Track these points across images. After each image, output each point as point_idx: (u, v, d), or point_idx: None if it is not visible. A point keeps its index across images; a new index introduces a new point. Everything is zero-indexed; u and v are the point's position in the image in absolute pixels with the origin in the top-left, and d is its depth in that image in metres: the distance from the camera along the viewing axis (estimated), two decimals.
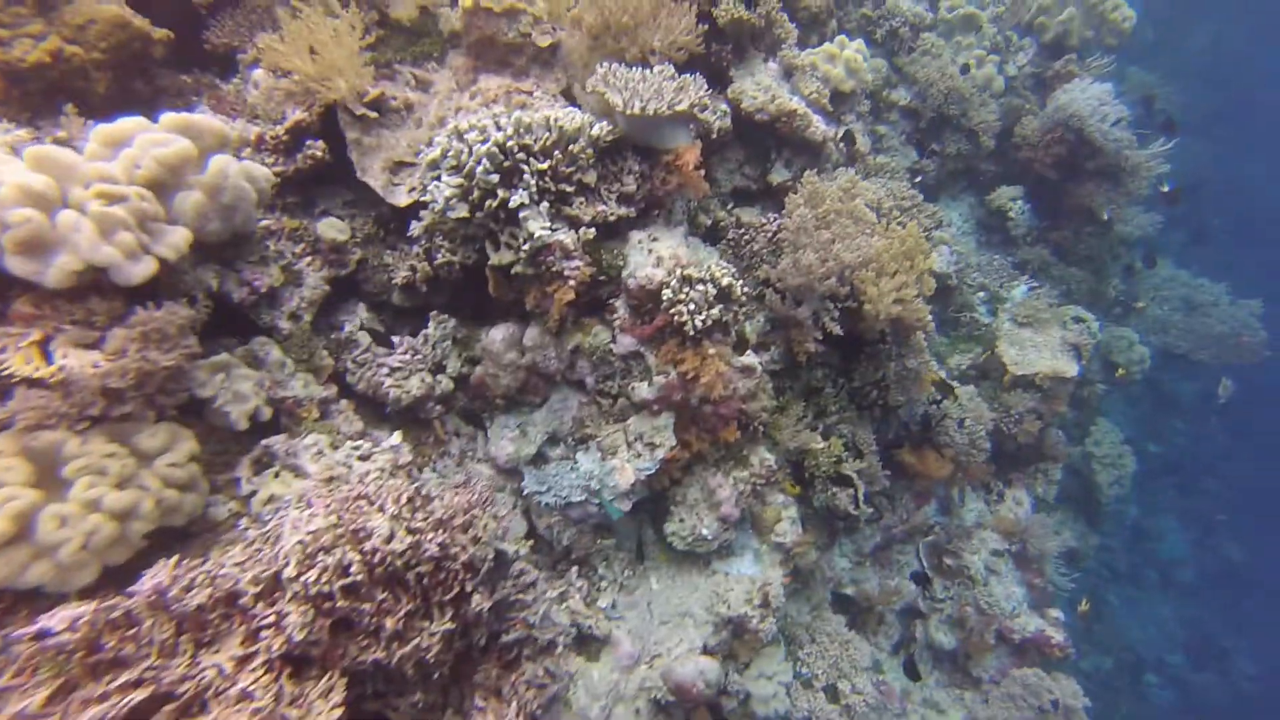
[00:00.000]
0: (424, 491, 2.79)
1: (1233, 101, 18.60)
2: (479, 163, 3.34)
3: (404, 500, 2.65)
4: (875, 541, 5.70)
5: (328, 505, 2.47)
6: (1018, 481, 6.92)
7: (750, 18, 4.72)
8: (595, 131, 3.62)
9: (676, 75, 3.84)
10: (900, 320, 4.26)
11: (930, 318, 4.48)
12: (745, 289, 3.86)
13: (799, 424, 4.47)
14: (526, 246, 3.45)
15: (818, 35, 6.63)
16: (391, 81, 4.41)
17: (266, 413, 3.20)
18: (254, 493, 2.99)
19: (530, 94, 4.20)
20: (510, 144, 3.39)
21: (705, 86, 3.88)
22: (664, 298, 3.62)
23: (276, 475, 3.06)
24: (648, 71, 3.83)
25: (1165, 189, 8.10)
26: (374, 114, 3.99)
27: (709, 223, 4.96)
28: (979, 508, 6.59)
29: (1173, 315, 11.09)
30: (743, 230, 4.81)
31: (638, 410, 3.92)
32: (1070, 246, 8.26)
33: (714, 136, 4.80)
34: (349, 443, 3.36)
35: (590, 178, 3.66)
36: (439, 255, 3.77)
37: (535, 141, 3.46)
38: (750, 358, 4.12)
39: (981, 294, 7.62)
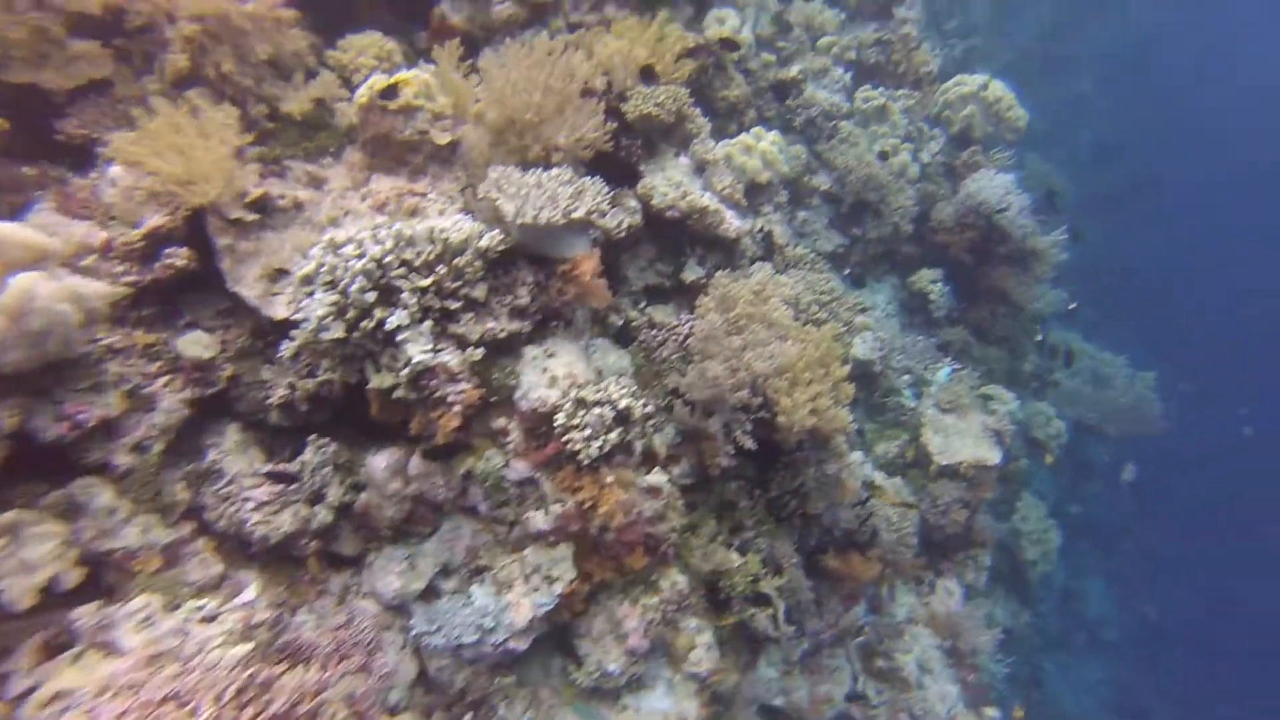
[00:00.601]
0: (262, 678, 2.33)
1: (1118, 187, 19.79)
2: (354, 280, 2.98)
3: (230, 693, 2.20)
4: (804, 648, 5.35)
5: (120, 713, 2.00)
6: (948, 571, 6.70)
7: (660, 114, 4.53)
8: (484, 243, 3.31)
9: (575, 178, 3.58)
10: (817, 429, 4.00)
11: (850, 422, 4.24)
12: (648, 408, 3.56)
13: (713, 542, 4.15)
14: (406, 370, 3.08)
15: (736, 124, 6.55)
16: (281, 179, 4.05)
17: (72, 578, 2.69)
18: (33, 689, 2.46)
19: (424, 195, 3.89)
20: (389, 259, 3.05)
21: (605, 190, 3.62)
22: (557, 422, 3.29)
23: (77, 659, 2.54)
24: (544, 174, 3.57)
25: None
26: (253, 216, 3.61)
27: (620, 323, 4.69)
28: (910, 601, 6.33)
29: (1083, 388, 11.27)
30: (655, 331, 4.54)
31: (535, 540, 3.54)
32: (987, 327, 8.29)
33: (623, 235, 4.56)
34: (191, 601, 2.87)
35: (479, 292, 3.33)
36: (320, 373, 3.37)
37: (417, 256, 3.13)
38: (657, 476, 3.80)
39: (906, 377, 7.51)
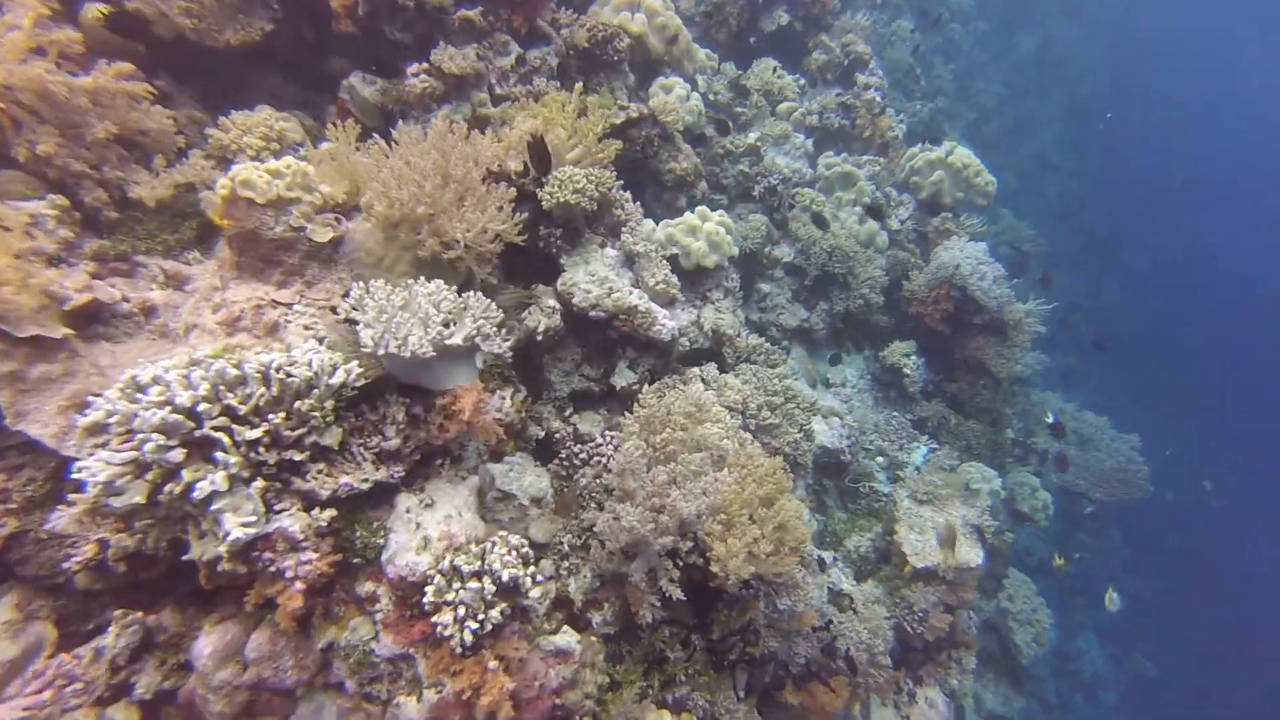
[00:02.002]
0: None
1: (1088, 238, 19.53)
2: (149, 437, 2.31)
3: None
4: None
5: None
6: (929, 677, 5.94)
7: (580, 201, 3.93)
8: (338, 379, 2.65)
9: (452, 295, 2.94)
10: (760, 577, 3.31)
11: (800, 561, 3.56)
12: (550, 566, 2.87)
13: (642, 700, 3.42)
14: (226, 544, 2.40)
15: (686, 198, 5.98)
16: (130, 278, 3.42)
17: None
18: None
19: (289, 307, 3.25)
20: (204, 408, 2.39)
21: (490, 309, 2.98)
22: (426, 598, 2.60)
23: None
24: (419, 289, 2.93)
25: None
26: (63, 331, 2.94)
27: (541, 435, 4.02)
28: (887, 717, 5.56)
29: (1068, 450, 10.60)
30: (578, 447, 3.88)
31: None
32: (966, 399, 7.64)
33: (540, 338, 3.93)
34: None
35: (332, 439, 2.67)
36: (135, 531, 2.68)
37: (246, 400, 2.47)
38: (566, 637, 3.09)
39: (880, 459, 6.84)
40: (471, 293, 2.98)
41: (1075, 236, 19.10)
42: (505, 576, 2.62)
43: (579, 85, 4.26)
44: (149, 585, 2.89)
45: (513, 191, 3.80)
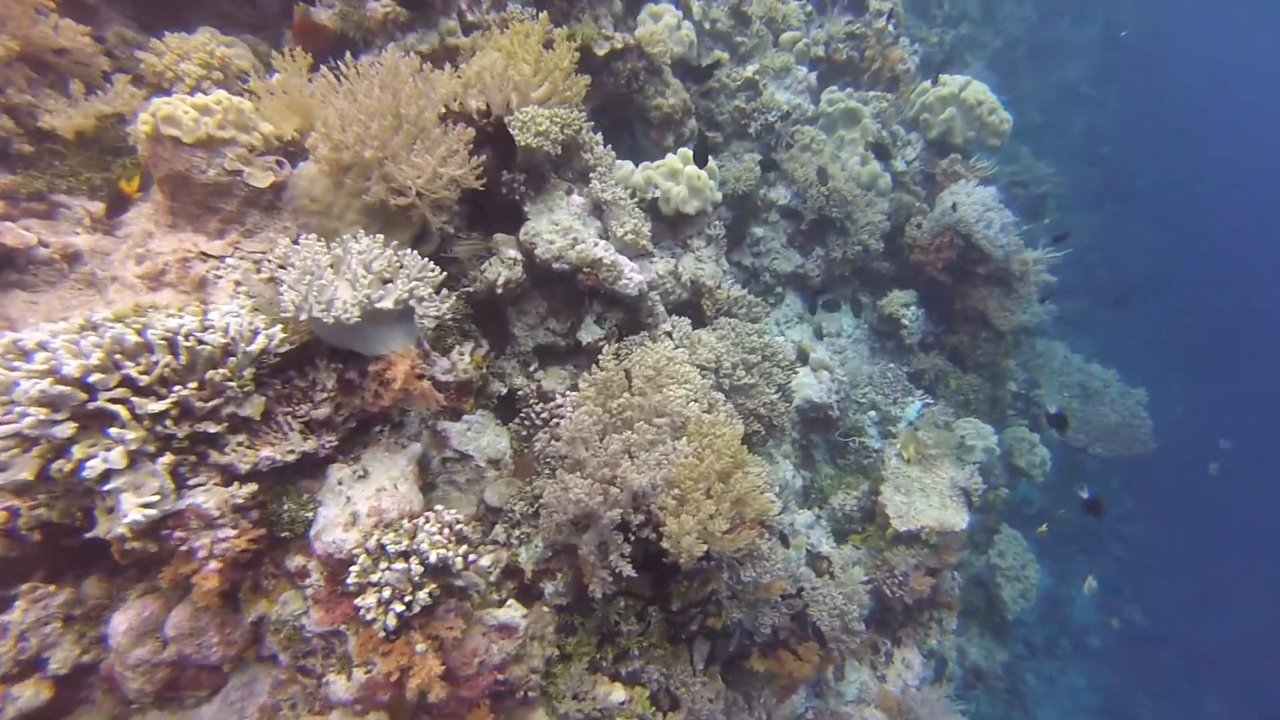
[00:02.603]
0: None
1: (1109, 178, 18.73)
2: (27, 411, 2.13)
3: None
4: None
5: None
6: (907, 639, 5.90)
7: (543, 145, 3.63)
8: (257, 345, 2.45)
9: (386, 251, 2.71)
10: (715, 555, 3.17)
11: (764, 542, 3.41)
12: (469, 556, 2.72)
13: (595, 674, 3.33)
14: (124, 525, 2.25)
15: (674, 136, 5.63)
16: (49, 220, 3.21)
17: None
18: None
19: (220, 261, 3.02)
20: (98, 378, 2.21)
21: (428, 268, 2.75)
22: (349, 579, 2.46)
23: None
24: (354, 245, 2.70)
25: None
26: None
27: (504, 391, 3.84)
28: (862, 679, 5.53)
29: (1071, 403, 10.38)
30: (539, 406, 3.70)
31: (340, 709, 2.73)
32: (967, 352, 7.39)
33: (500, 291, 3.70)
34: None
35: (253, 408, 2.49)
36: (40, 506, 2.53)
37: (148, 371, 2.28)
38: (509, 613, 2.97)
39: (872, 414, 6.65)
40: (408, 251, 2.74)
41: (1098, 174, 18.34)
42: (433, 558, 2.48)
43: (544, 15, 3.90)
44: (74, 551, 2.77)
45: (471, 133, 3.51)
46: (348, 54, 3.45)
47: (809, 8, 7.52)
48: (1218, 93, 25.50)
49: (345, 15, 4.33)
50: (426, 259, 2.74)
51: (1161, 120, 22.65)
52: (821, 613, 4.63)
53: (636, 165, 4.68)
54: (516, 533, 3.31)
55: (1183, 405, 16.58)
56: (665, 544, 2.98)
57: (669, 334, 4.06)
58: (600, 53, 5.13)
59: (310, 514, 2.62)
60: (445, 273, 2.89)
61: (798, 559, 5.02)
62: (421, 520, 2.61)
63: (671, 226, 4.72)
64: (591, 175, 3.91)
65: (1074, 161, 16.40)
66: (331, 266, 2.54)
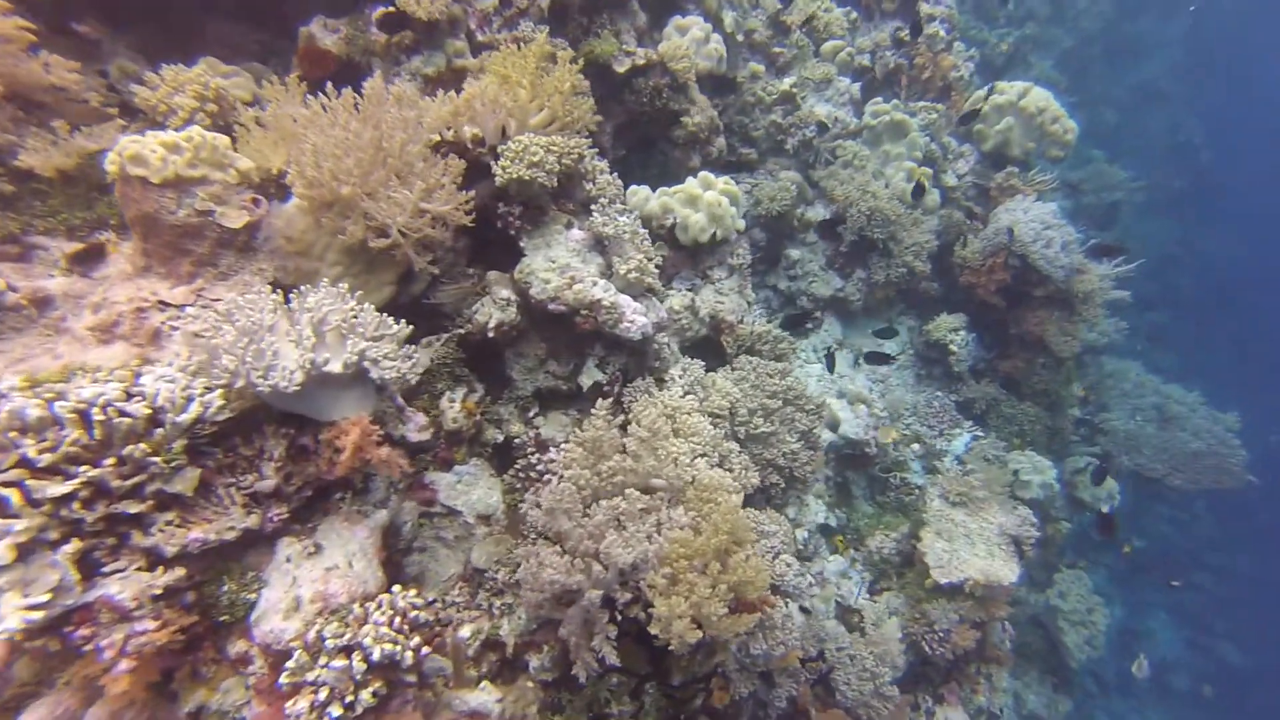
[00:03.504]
0: None
1: (1194, 181, 17.32)
2: None
3: None
4: None
5: None
6: (951, 696, 5.38)
7: (537, 177, 3.33)
8: (188, 416, 2.21)
9: (346, 305, 2.44)
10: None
11: (778, 610, 3.02)
12: (421, 649, 2.42)
13: None
14: (11, 628, 2.02)
15: (700, 155, 5.28)
16: (23, 263, 3.07)
17: None
18: None
19: (180, 310, 2.81)
20: None
21: (383, 324, 2.47)
22: (284, 676, 2.19)
23: None
24: (310, 296, 2.45)
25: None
26: None
27: (500, 439, 3.55)
28: None
29: (1145, 428, 9.53)
30: (536, 459, 3.40)
31: None
32: (1022, 379, 6.79)
33: (493, 334, 3.41)
34: None
35: (185, 484, 2.25)
36: None
37: (53, 449, 2.06)
38: (482, 697, 2.68)
39: (915, 447, 6.16)
40: (364, 306, 2.48)
41: (1183, 177, 17.00)
42: (377, 655, 2.19)
43: (541, 34, 3.61)
44: None
45: (460, 165, 3.24)
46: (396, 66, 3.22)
47: (854, 14, 7.06)
48: None
49: (350, 40, 4.12)
50: (383, 315, 2.47)
51: (1251, 118, 21.03)
52: (850, 675, 4.20)
53: (659, 188, 4.35)
54: (499, 602, 3.01)
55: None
56: (654, 629, 2.64)
57: (682, 380, 3.71)
58: (620, 69, 4.83)
59: (254, 595, 2.37)
60: (412, 327, 2.61)
61: (825, 611, 4.59)
62: (373, 606, 2.33)
63: (691, 255, 4.38)
64: (593, 207, 3.59)
65: (1152, 164, 15.28)
66: (271, 328, 2.28)
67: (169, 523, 2.21)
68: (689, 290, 4.20)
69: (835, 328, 6.28)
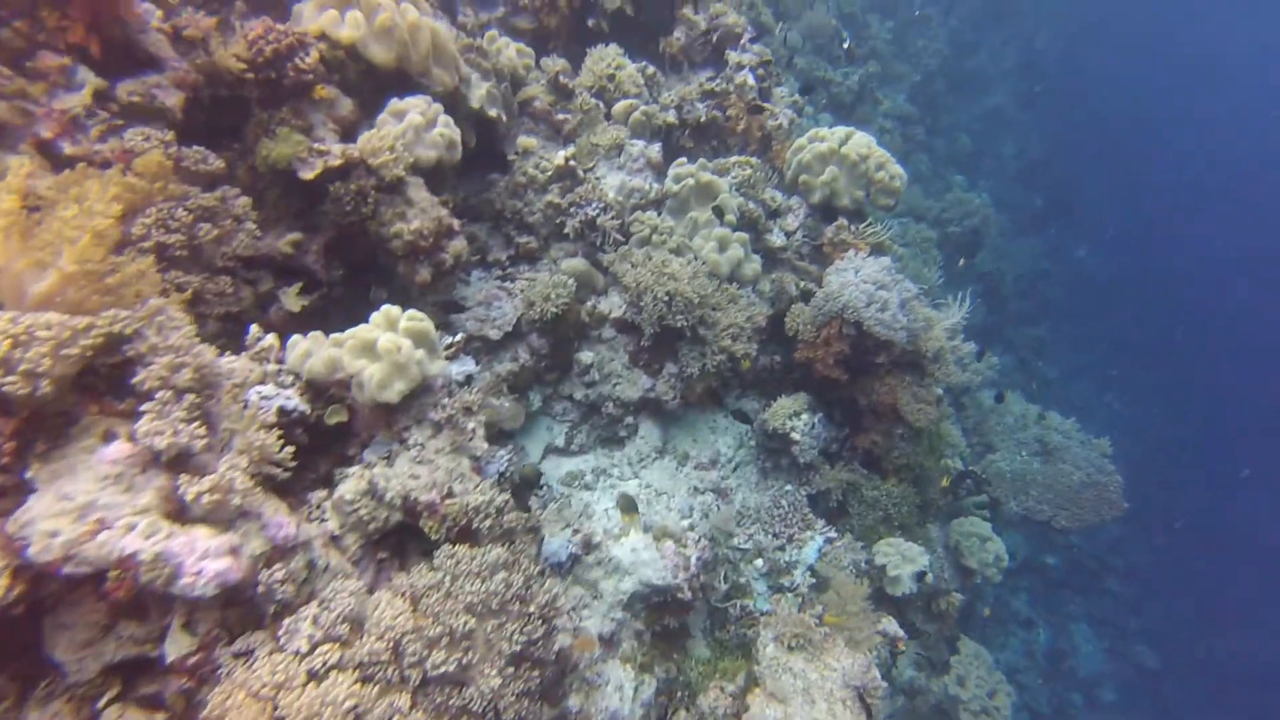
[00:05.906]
0: None
1: (1050, 197, 17.41)
2: None
3: None
4: None
5: None
6: None
7: (15, 389, 2.11)
8: None
9: None
10: None
11: None
12: None
13: None
14: None
15: (430, 267, 4.12)
16: None
17: None
18: None
19: None
20: None
21: None
22: None
23: None
24: None
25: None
26: None
27: None
28: None
29: (1031, 465, 8.74)
30: None
31: None
32: (882, 454, 5.81)
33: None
34: None
35: None
36: None
37: None
38: None
39: (759, 563, 5.08)
40: None
41: (1037, 196, 16.94)
42: None
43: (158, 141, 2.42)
44: None
45: None
46: None
47: (650, 69, 6.09)
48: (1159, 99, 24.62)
49: None
50: None
51: (1092, 135, 21.60)
52: None
53: (332, 335, 3.16)
54: None
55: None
56: None
57: (317, 618, 2.49)
58: (309, 175, 3.68)
59: None
60: None
61: None
62: None
63: (386, 413, 3.19)
64: (145, 406, 2.36)
65: (1009, 187, 15.02)
66: None
67: None
68: (367, 469, 3.01)
69: (653, 434, 5.18)
